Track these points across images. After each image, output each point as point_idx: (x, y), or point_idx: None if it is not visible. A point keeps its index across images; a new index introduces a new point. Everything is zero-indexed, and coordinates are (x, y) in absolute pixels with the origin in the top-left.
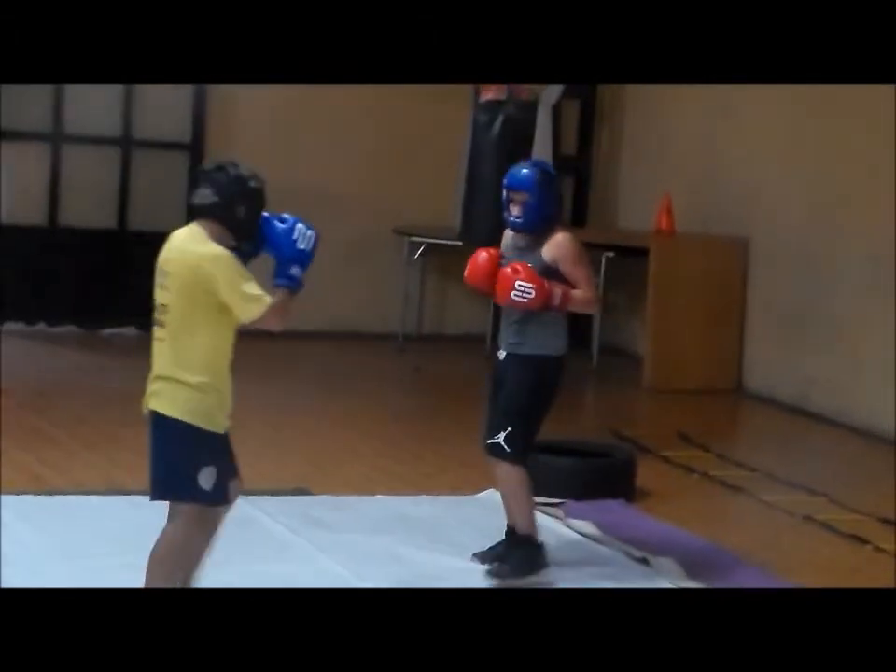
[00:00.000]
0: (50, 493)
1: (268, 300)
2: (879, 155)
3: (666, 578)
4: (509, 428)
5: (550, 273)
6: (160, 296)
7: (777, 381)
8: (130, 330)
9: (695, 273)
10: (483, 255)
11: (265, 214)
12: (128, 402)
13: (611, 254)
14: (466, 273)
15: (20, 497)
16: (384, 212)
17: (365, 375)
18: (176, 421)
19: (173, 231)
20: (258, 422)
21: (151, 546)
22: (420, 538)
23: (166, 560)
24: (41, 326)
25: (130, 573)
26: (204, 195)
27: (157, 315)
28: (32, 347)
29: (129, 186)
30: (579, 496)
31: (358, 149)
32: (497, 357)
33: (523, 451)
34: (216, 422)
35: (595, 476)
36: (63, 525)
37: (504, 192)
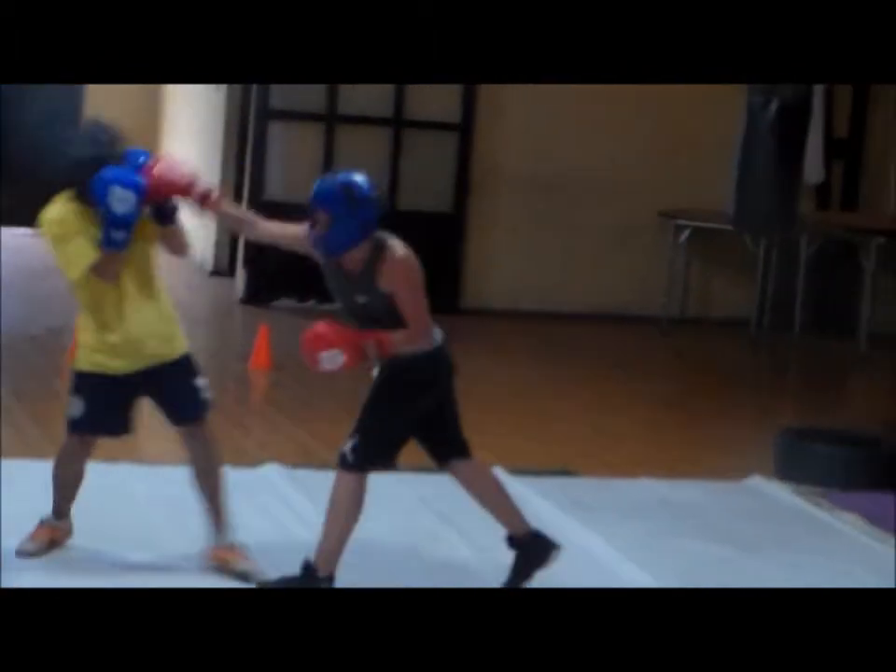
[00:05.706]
0: (320, 466)
1: (85, 264)
2: None
3: None
4: (357, 437)
5: (389, 300)
6: None
7: None
8: None
9: None
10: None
11: (114, 173)
12: None
13: (882, 240)
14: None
15: (293, 469)
16: (650, 196)
17: (629, 358)
18: None
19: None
20: (521, 403)
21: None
22: (681, 523)
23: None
24: (311, 303)
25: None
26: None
27: None
28: (302, 324)
29: (399, 166)
30: (845, 486)
31: (626, 133)
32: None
33: (369, 462)
34: (83, 361)
35: (865, 466)
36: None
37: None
